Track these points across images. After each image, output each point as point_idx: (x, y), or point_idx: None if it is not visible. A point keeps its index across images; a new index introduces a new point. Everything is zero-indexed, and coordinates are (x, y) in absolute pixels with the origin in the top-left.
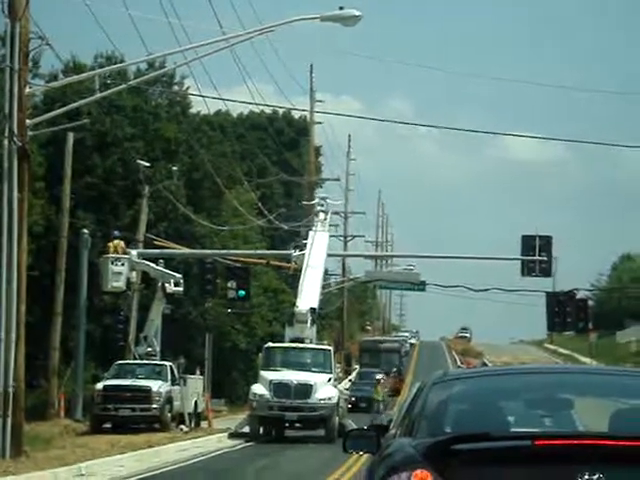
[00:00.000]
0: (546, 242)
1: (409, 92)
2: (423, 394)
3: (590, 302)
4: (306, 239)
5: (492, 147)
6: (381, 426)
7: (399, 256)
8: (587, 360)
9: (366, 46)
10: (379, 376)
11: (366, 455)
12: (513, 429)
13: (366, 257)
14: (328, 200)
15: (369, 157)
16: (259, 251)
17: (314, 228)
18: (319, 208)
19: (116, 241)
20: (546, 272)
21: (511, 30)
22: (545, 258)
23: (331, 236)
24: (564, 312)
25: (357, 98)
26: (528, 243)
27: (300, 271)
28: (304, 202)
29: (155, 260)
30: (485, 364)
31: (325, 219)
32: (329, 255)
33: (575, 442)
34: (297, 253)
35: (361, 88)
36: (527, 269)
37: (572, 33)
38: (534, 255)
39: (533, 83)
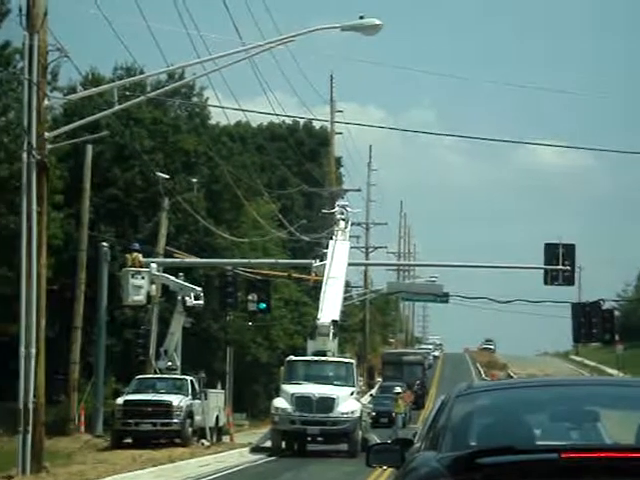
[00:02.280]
0: (569, 250)
1: (434, 101)
2: (447, 407)
3: (616, 313)
4: (327, 249)
5: (517, 155)
6: (405, 440)
7: (420, 265)
8: (614, 372)
9: (391, 56)
10: (398, 389)
11: (390, 469)
12: (538, 442)
13: (387, 265)
14: (348, 208)
15: (394, 167)
16: (280, 260)
17: (334, 237)
18: (339, 216)
19: (134, 254)
20: (569, 280)
21: (537, 38)
22: (568, 267)
23: (352, 247)
24: (590, 323)
25: (382, 107)
26: (551, 251)
27: (321, 282)
28: (324, 210)
29: (175, 273)
30: (510, 376)
31: (345, 228)
32: (350, 264)
33: (602, 455)
34: (318, 263)
35: (386, 98)
36: (550, 277)
37: (600, 40)
38: (557, 264)
39: (559, 91)
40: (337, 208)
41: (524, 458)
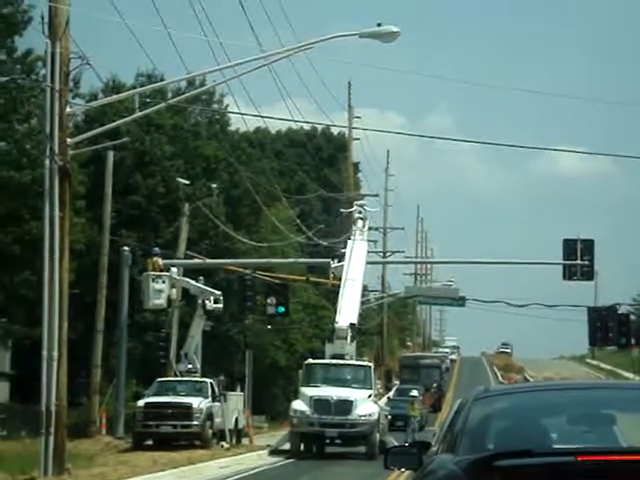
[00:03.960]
0: (588, 246)
1: (453, 107)
2: (465, 410)
3: (632, 317)
4: (344, 249)
5: (536, 161)
6: (423, 442)
7: (437, 262)
8: (630, 375)
9: (412, 62)
10: (414, 392)
11: (407, 472)
12: (555, 445)
13: (404, 263)
14: (366, 207)
15: (412, 172)
16: (299, 260)
17: (352, 237)
18: (357, 215)
19: (155, 258)
20: (588, 276)
21: (554, 44)
22: (587, 262)
23: (370, 252)
24: (606, 327)
25: (402, 113)
26: (570, 247)
27: (339, 285)
28: (342, 210)
29: (195, 277)
30: (527, 380)
31: (364, 227)
32: (368, 262)
33: (618, 458)
34: (336, 264)
35: (406, 104)
36: (569, 273)
37: (616, 47)
38: (576, 259)
39: (577, 97)
40: (355, 207)
41: (541, 461)
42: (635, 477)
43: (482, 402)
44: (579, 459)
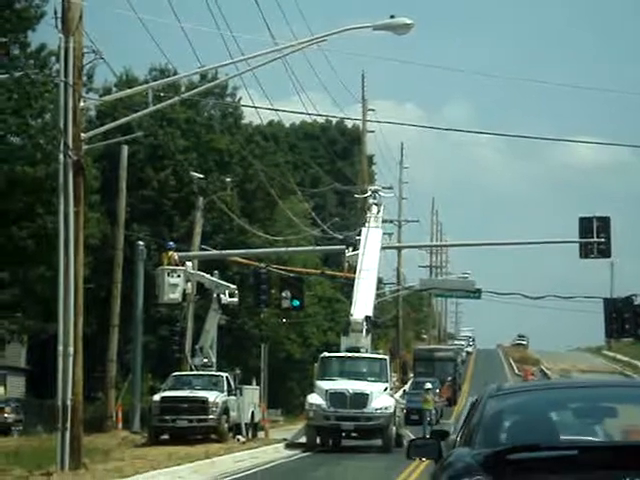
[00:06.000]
0: (604, 223)
1: (471, 99)
2: (480, 406)
3: None
4: (359, 236)
5: (554, 152)
6: (441, 431)
7: (453, 245)
8: None
9: (429, 54)
10: (428, 385)
11: (424, 464)
12: (563, 437)
13: (420, 247)
14: (381, 192)
15: (430, 164)
16: (316, 247)
17: (367, 224)
18: (371, 201)
19: (170, 252)
20: (604, 253)
21: (573, 34)
22: (603, 239)
23: (384, 248)
24: (622, 318)
25: (419, 106)
26: (585, 225)
27: (353, 279)
28: (356, 195)
29: (210, 271)
30: (543, 371)
31: (378, 213)
32: (383, 248)
33: (622, 451)
34: (350, 253)
35: (423, 96)
36: (585, 251)
37: (635, 37)
38: (592, 237)
39: (595, 88)
40: (369, 192)
41: (549, 454)
42: (635, 467)
43: (496, 399)
44: (585, 452)
